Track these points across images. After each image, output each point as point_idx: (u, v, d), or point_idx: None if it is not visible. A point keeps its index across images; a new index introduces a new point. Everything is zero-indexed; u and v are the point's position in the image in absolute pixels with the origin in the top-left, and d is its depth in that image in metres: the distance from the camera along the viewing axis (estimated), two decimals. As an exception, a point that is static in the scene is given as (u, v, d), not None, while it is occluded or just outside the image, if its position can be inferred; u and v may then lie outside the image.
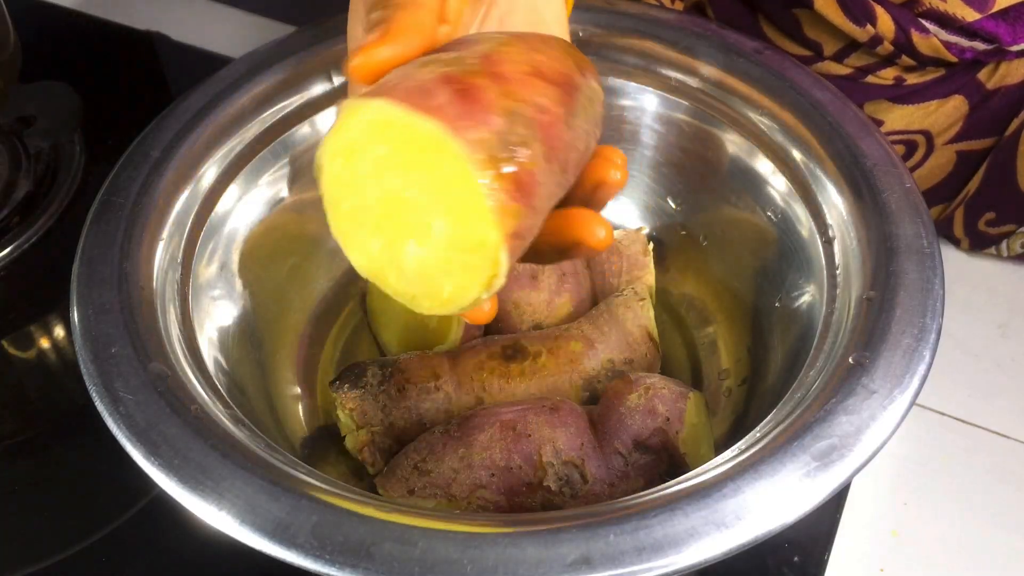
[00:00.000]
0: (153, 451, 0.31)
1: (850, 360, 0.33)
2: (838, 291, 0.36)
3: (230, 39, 0.75)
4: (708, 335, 0.46)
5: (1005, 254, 0.63)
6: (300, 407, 0.43)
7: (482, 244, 0.24)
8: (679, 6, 0.58)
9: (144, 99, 0.67)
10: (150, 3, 0.78)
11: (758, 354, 0.43)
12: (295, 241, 0.46)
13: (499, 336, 0.43)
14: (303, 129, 0.45)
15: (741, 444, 0.33)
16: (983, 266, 0.64)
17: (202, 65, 0.46)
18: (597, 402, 0.40)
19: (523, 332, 0.44)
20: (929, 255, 0.36)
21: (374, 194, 0.25)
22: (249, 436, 0.33)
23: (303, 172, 0.46)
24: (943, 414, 0.58)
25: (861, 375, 0.33)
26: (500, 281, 0.25)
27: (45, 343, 0.53)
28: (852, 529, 0.49)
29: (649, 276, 0.45)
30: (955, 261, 0.64)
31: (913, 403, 0.33)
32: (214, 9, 0.79)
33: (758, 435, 0.33)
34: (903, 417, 0.32)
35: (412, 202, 0.24)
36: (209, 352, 0.37)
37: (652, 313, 0.42)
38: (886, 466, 0.55)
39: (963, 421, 0.57)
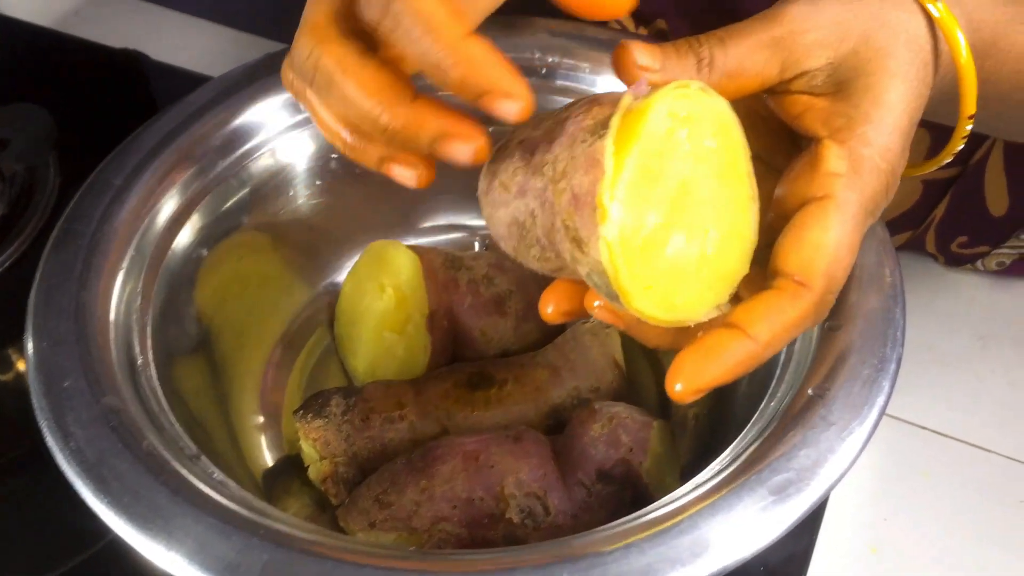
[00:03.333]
0: (102, 488, 0.30)
1: (809, 392, 0.33)
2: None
3: (211, 56, 0.74)
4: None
5: (982, 270, 0.63)
6: (264, 438, 0.43)
7: (733, 272, 0.27)
8: (643, 32, 0.58)
9: (121, 120, 0.66)
10: (127, 21, 0.77)
11: (724, 396, 0.42)
12: (259, 270, 0.46)
13: (465, 364, 0.43)
14: (265, 159, 0.45)
15: (700, 477, 0.32)
16: (963, 278, 0.64)
17: (182, 84, 0.46)
18: (562, 430, 0.40)
19: (490, 359, 0.44)
20: (891, 284, 0.36)
21: (676, 175, 0.26)
22: (202, 472, 0.32)
23: (265, 201, 0.45)
24: (923, 427, 0.58)
25: (820, 407, 0.32)
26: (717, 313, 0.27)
27: (22, 366, 0.52)
28: (830, 546, 0.49)
29: (616, 302, 0.45)
30: (935, 273, 0.65)
31: (872, 434, 0.32)
32: (194, 25, 0.78)
33: (717, 468, 0.32)
34: (861, 449, 0.32)
35: (703, 201, 0.26)
36: (167, 385, 0.37)
37: (619, 341, 0.42)
38: (865, 481, 0.54)
39: (943, 435, 0.57)
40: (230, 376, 0.43)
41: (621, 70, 0.28)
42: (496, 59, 0.25)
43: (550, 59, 0.46)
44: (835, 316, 0.35)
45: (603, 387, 0.42)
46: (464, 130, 0.26)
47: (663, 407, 0.45)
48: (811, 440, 0.31)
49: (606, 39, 0.47)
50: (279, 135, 0.45)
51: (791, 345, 0.36)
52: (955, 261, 0.62)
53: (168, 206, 0.41)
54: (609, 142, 0.24)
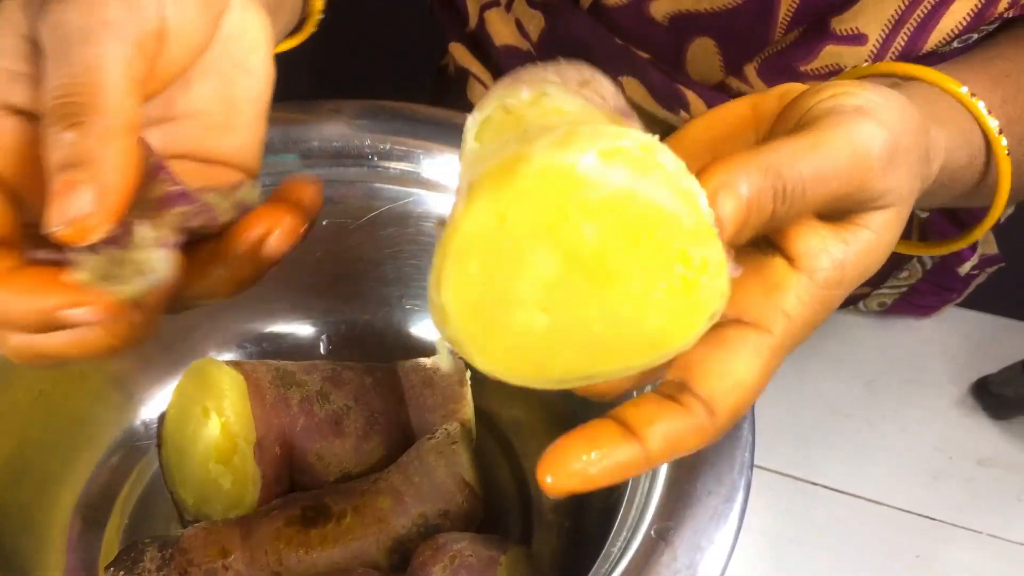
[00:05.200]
0: None
1: (652, 533, 0.30)
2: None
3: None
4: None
5: (864, 310, 0.62)
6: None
7: (704, 262, 0.21)
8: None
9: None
10: None
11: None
12: (69, 391, 0.41)
13: (301, 495, 0.39)
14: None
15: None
16: (847, 320, 0.63)
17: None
18: (407, 566, 0.36)
19: (328, 486, 0.40)
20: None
21: (537, 263, 0.21)
22: None
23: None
24: (815, 484, 0.57)
25: (664, 551, 0.29)
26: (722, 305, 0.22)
27: None
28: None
29: (467, 409, 0.41)
30: (820, 317, 0.63)
31: (724, 571, 0.30)
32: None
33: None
34: (711, 597, 0.29)
35: (594, 249, 0.21)
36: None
37: (468, 458, 0.39)
38: (758, 545, 0.53)
39: (836, 490, 0.56)
40: (24, 543, 0.37)
41: None
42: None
43: (380, 146, 0.42)
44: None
45: (453, 510, 0.38)
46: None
47: (526, 519, 0.41)
48: (654, 594, 0.28)
49: (441, 119, 0.43)
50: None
51: (636, 477, 0.32)
52: (838, 304, 0.61)
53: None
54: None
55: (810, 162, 0.23)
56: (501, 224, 0.21)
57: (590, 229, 0.21)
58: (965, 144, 0.33)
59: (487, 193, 0.20)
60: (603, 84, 0.26)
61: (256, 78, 0.28)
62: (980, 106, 0.33)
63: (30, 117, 0.24)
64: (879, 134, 0.25)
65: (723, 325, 0.24)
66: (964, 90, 0.33)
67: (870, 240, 0.25)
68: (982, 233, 0.38)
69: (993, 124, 0.34)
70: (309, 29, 0.38)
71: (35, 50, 0.24)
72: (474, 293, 0.21)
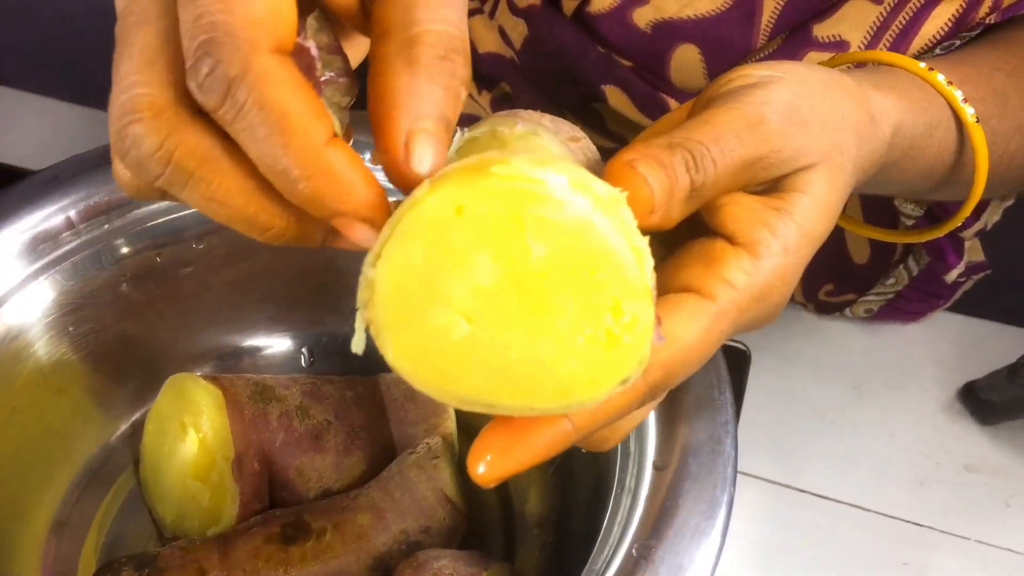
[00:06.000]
0: None
1: (633, 552, 0.29)
2: (629, 460, 0.33)
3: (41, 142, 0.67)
4: (522, 478, 0.42)
5: (851, 316, 0.62)
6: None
7: (634, 321, 0.21)
8: (485, 98, 0.55)
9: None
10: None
11: (566, 505, 0.39)
12: (45, 406, 0.40)
13: (280, 511, 0.38)
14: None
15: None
16: (834, 326, 0.63)
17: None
18: (389, 584, 0.36)
19: (308, 503, 0.39)
20: (722, 409, 0.32)
21: (478, 266, 0.21)
22: None
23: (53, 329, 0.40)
24: (801, 490, 0.56)
25: (645, 570, 0.29)
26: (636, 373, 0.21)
27: None
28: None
29: (449, 423, 0.41)
30: (806, 322, 0.63)
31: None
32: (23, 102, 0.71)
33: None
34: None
35: (536, 269, 0.20)
36: None
37: (450, 472, 0.38)
38: (742, 553, 0.52)
39: (822, 496, 0.56)
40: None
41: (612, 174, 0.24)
42: (358, 175, 0.21)
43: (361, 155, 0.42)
44: (661, 452, 0.32)
45: (435, 526, 0.37)
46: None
47: (508, 534, 0.41)
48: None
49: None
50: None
51: (619, 492, 0.32)
52: (824, 309, 0.61)
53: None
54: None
55: (708, 132, 0.24)
56: (457, 215, 0.20)
57: (539, 248, 0.20)
58: (921, 112, 0.32)
59: (453, 182, 0.20)
60: (590, 148, 0.26)
61: None
62: (939, 78, 0.33)
63: None
64: (771, 97, 0.25)
65: (665, 294, 0.24)
66: (923, 65, 0.33)
67: (804, 201, 0.25)
68: (968, 210, 0.37)
69: (957, 94, 0.33)
70: None
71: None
72: (407, 277, 0.21)
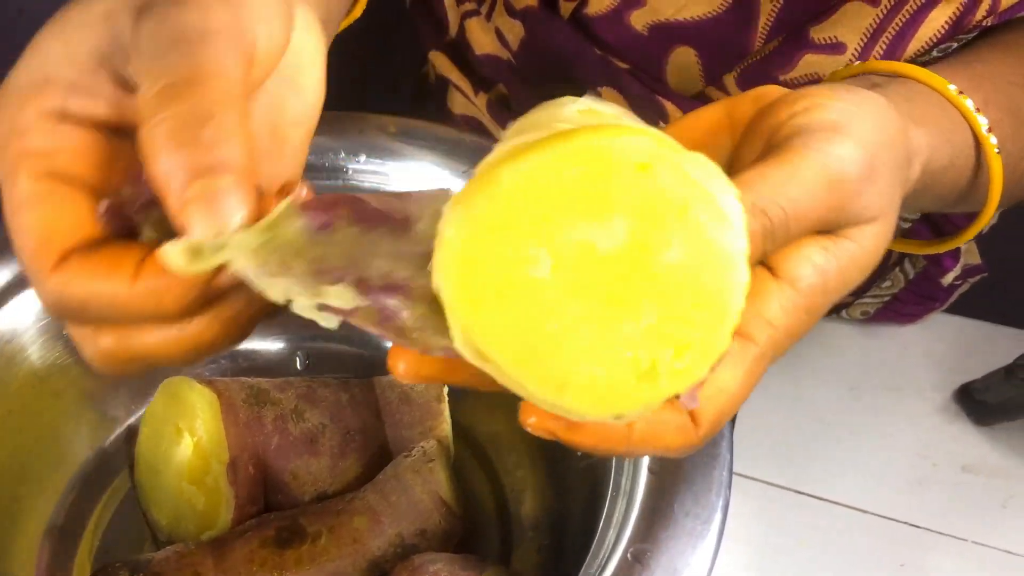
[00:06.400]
0: None
1: (628, 556, 0.29)
2: (624, 463, 0.33)
3: None
4: (518, 480, 0.42)
5: (847, 318, 0.62)
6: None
7: (684, 373, 0.19)
8: (482, 99, 0.54)
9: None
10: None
11: (562, 508, 0.39)
12: (40, 410, 0.40)
13: (275, 515, 0.38)
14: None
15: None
16: (831, 328, 0.63)
17: None
18: (384, 587, 0.36)
19: (304, 506, 0.39)
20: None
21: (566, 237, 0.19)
22: None
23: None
24: (798, 492, 0.56)
25: (640, 573, 0.29)
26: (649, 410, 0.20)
27: None
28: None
29: (444, 426, 0.40)
30: (805, 324, 0.63)
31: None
32: None
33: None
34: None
35: (655, 263, 0.19)
36: None
37: (445, 476, 0.38)
38: (739, 555, 0.52)
39: (819, 498, 0.56)
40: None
41: None
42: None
43: (355, 158, 0.42)
44: (654, 457, 0.32)
45: (430, 529, 0.37)
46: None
47: (505, 535, 0.41)
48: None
49: (417, 131, 0.42)
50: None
51: (614, 495, 0.32)
52: (821, 311, 0.61)
53: None
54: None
55: (791, 197, 0.23)
56: (640, 170, 0.19)
57: (676, 251, 0.19)
58: (946, 144, 0.32)
59: (644, 136, 0.19)
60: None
61: (306, 99, 0.26)
62: (968, 104, 0.33)
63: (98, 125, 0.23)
64: (855, 156, 0.24)
65: None
66: (952, 88, 0.33)
67: (853, 250, 0.25)
68: (974, 234, 0.37)
69: (983, 121, 0.33)
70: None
71: (102, 64, 0.22)
72: (495, 221, 0.19)
